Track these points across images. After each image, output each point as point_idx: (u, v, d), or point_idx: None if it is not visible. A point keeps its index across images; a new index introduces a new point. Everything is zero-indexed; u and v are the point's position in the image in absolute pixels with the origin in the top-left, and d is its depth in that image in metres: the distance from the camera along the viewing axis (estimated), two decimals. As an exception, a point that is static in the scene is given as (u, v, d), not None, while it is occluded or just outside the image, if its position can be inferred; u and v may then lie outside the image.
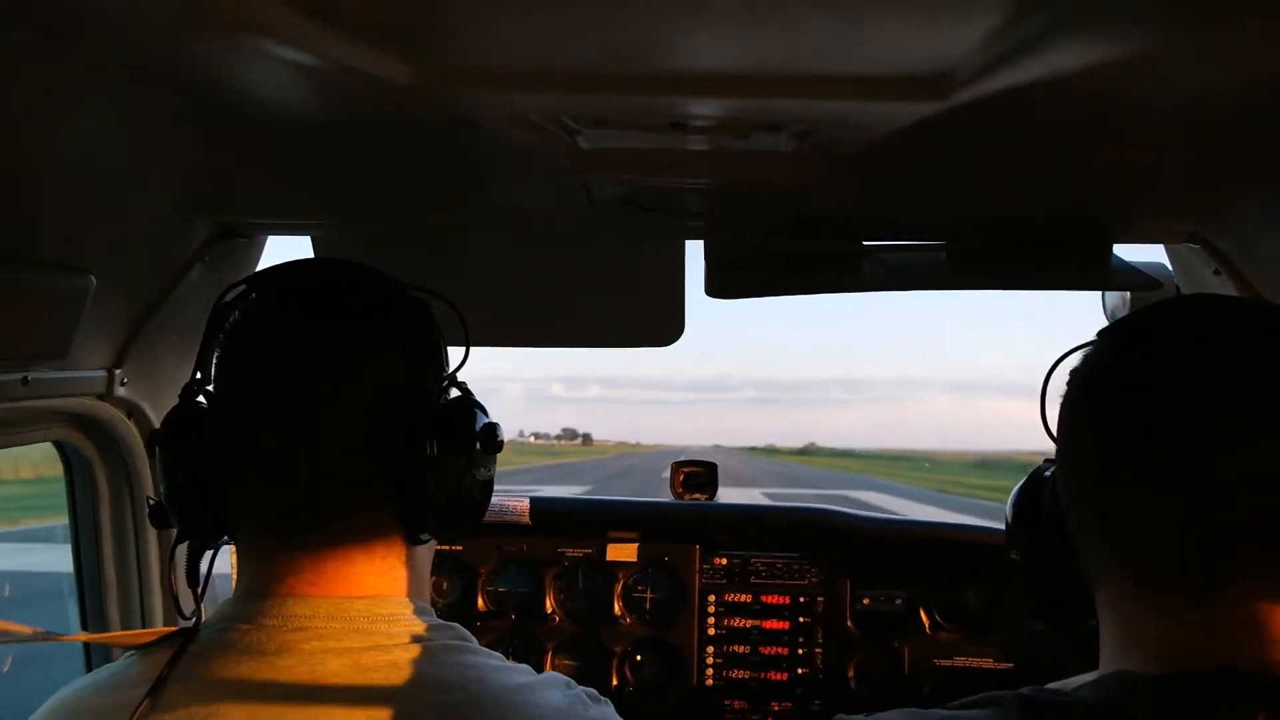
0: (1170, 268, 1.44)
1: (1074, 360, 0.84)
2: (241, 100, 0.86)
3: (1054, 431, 0.85)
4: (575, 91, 0.74)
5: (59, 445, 1.46)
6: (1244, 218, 1.22)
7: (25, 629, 0.99)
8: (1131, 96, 0.79)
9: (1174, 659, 0.71)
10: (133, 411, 1.43)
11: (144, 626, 1.51)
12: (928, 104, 0.71)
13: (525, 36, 0.66)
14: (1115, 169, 1.06)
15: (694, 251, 1.46)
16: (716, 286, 1.38)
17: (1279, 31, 0.65)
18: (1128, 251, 1.36)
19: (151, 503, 0.89)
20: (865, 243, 1.38)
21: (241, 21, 0.63)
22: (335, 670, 0.78)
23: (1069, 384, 0.83)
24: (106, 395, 1.36)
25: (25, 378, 1.15)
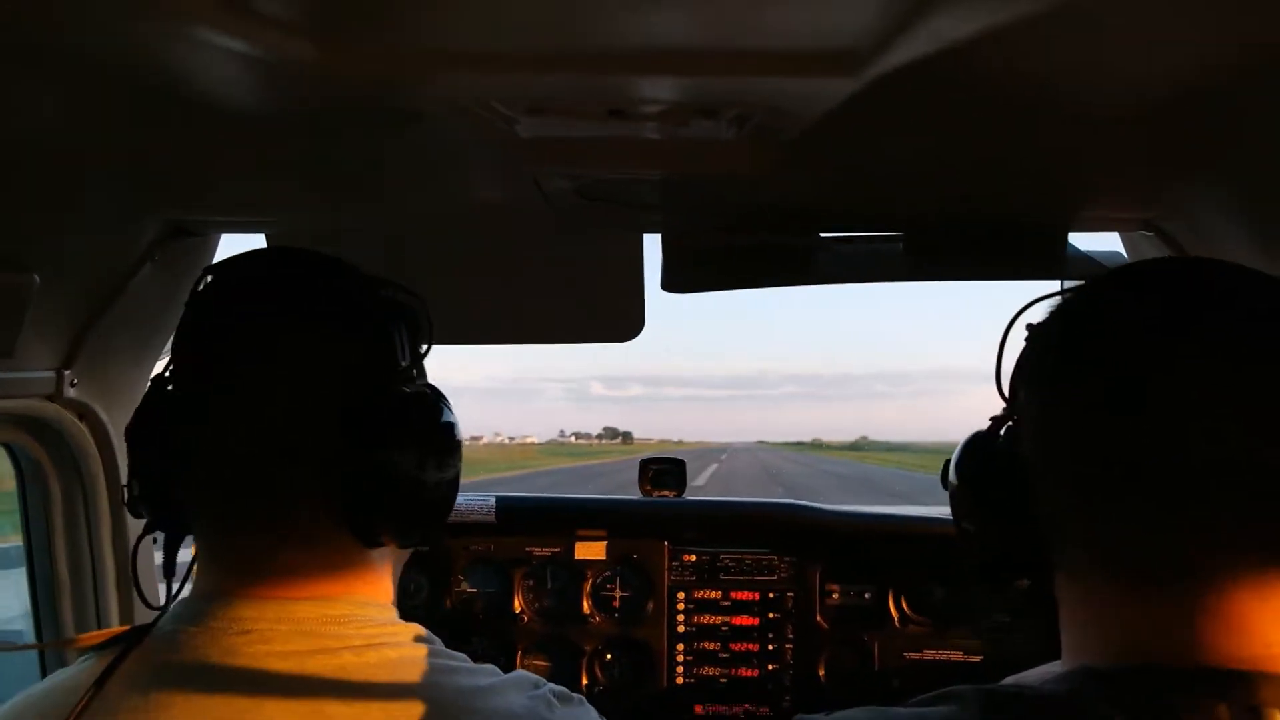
0: (1126, 256, 1.44)
1: (1040, 314, 0.79)
2: (184, 92, 0.85)
3: (1009, 390, 0.80)
4: (504, 73, 0.73)
5: (8, 448, 1.44)
6: (1198, 205, 1.22)
7: None
8: (1069, 80, 0.79)
9: (1139, 652, 0.68)
10: (84, 413, 1.41)
11: (99, 628, 1.49)
12: (842, 80, 0.71)
13: (449, 18, 0.66)
14: (1064, 157, 1.06)
15: (653, 245, 1.45)
16: (673, 280, 1.37)
17: (1212, 15, 0.65)
18: (1083, 240, 1.37)
19: (128, 494, 0.87)
20: (822, 235, 1.37)
21: (156, 2, 0.62)
22: (278, 675, 0.76)
23: (1035, 340, 0.78)
24: (56, 396, 1.34)
25: None
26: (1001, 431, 0.80)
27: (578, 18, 0.64)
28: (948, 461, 0.86)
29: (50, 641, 1.12)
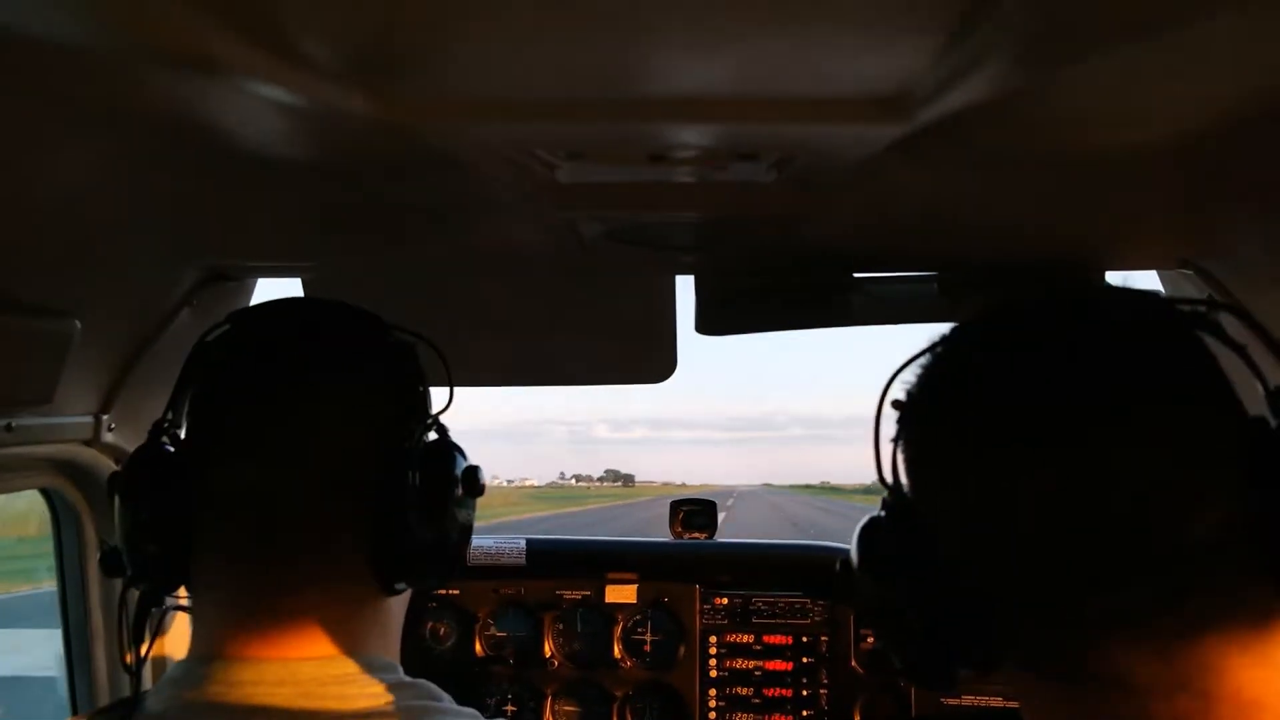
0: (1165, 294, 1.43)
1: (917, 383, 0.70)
2: (226, 142, 0.86)
3: (906, 473, 0.70)
4: (547, 121, 0.74)
5: (45, 493, 1.45)
6: (1237, 241, 1.21)
7: None
8: (1094, 122, 0.78)
9: None
10: (121, 458, 1.42)
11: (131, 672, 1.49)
12: (892, 126, 0.71)
13: (493, 67, 0.66)
14: (1102, 196, 1.05)
15: (686, 287, 1.45)
16: (707, 323, 1.37)
17: (1252, 49, 0.64)
18: (1120, 280, 1.35)
19: (105, 548, 0.86)
20: (856, 275, 1.37)
21: (197, 55, 0.63)
22: None
23: (934, 412, 0.69)
24: (93, 441, 1.34)
25: (9, 424, 1.14)
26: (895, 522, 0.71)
27: (623, 67, 0.64)
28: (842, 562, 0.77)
29: None
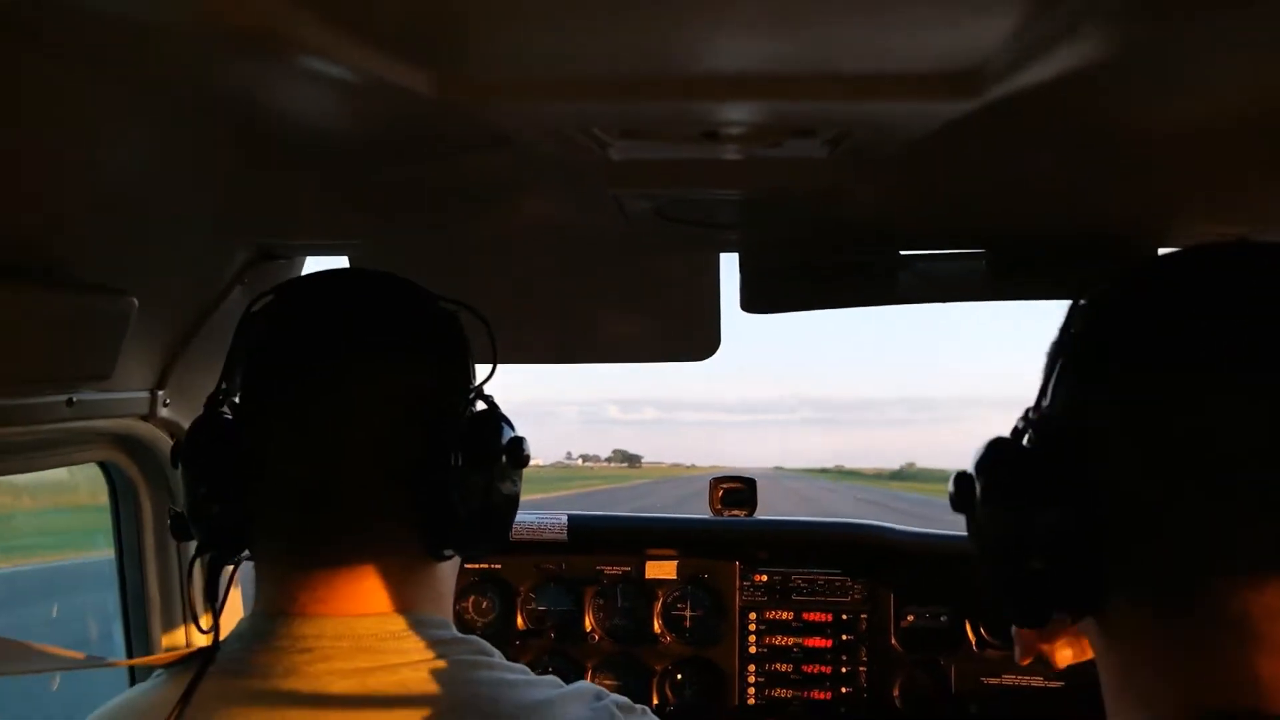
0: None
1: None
2: (276, 121, 0.87)
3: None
4: (604, 100, 0.74)
5: (103, 466, 1.49)
6: None
7: (74, 654, 0.99)
8: (1174, 93, 0.77)
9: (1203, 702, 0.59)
10: (175, 432, 1.45)
11: (187, 643, 1.53)
12: (960, 102, 0.70)
13: (551, 45, 0.66)
14: (1160, 171, 1.04)
15: (729, 265, 1.44)
16: (752, 301, 1.37)
17: None
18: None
19: (172, 514, 0.89)
20: (902, 253, 1.36)
21: (264, 32, 0.63)
22: (341, 693, 0.77)
23: (1106, 321, 0.67)
24: (150, 416, 1.37)
25: (70, 399, 1.17)
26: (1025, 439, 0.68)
27: (685, 45, 0.64)
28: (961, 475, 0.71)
29: (136, 659, 1.14)
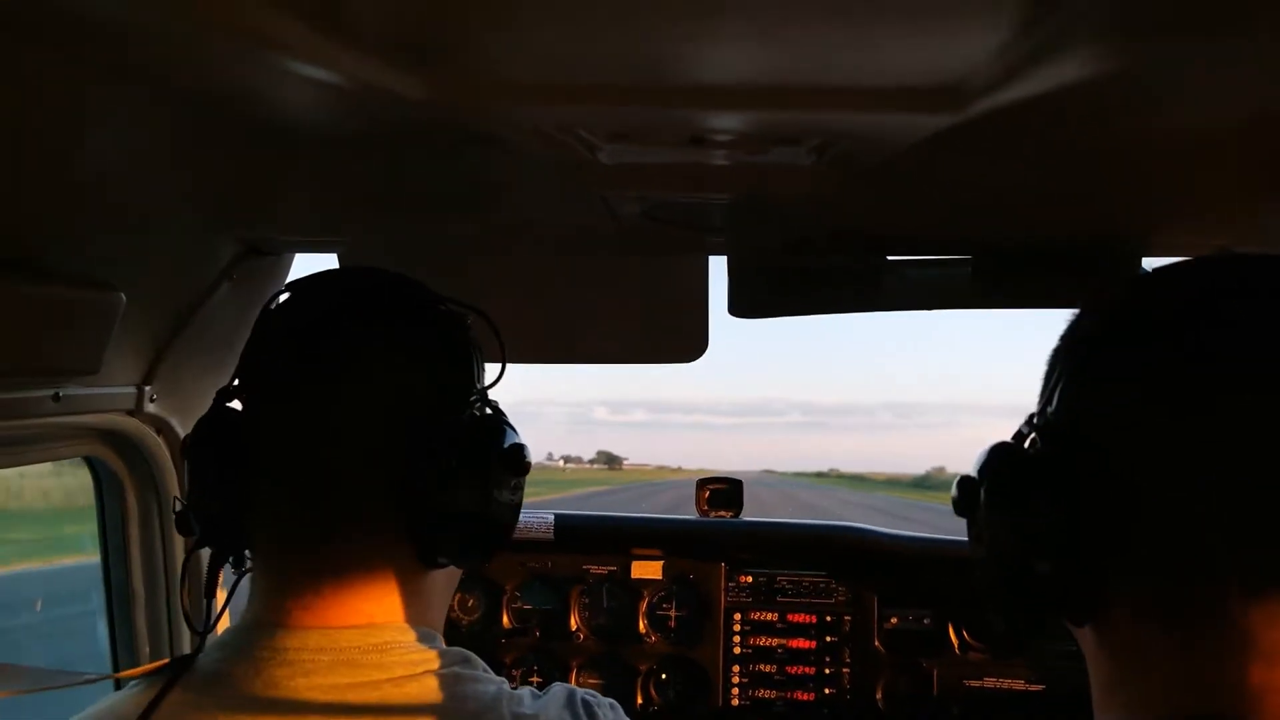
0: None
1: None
2: (265, 117, 0.87)
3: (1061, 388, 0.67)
4: (593, 104, 0.74)
5: (89, 461, 1.49)
6: (1273, 228, 1.20)
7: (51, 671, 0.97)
8: (1154, 108, 0.78)
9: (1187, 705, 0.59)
10: (162, 428, 1.45)
11: (172, 639, 1.53)
12: (943, 115, 0.71)
13: (541, 50, 0.67)
14: (1143, 182, 1.05)
15: (718, 268, 1.44)
16: (739, 305, 1.38)
17: None
18: (1156, 266, 1.34)
19: (178, 508, 0.88)
20: (890, 259, 1.37)
21: (251, 34, 0.63)
22: (319, 709, 0.75)
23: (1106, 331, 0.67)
24: (136, 411, 1.37)
25: (57, 394, 1.17)
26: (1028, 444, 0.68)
27: (674, 54, 0.65)
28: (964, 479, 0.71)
29: (93, 676, 1.14)
